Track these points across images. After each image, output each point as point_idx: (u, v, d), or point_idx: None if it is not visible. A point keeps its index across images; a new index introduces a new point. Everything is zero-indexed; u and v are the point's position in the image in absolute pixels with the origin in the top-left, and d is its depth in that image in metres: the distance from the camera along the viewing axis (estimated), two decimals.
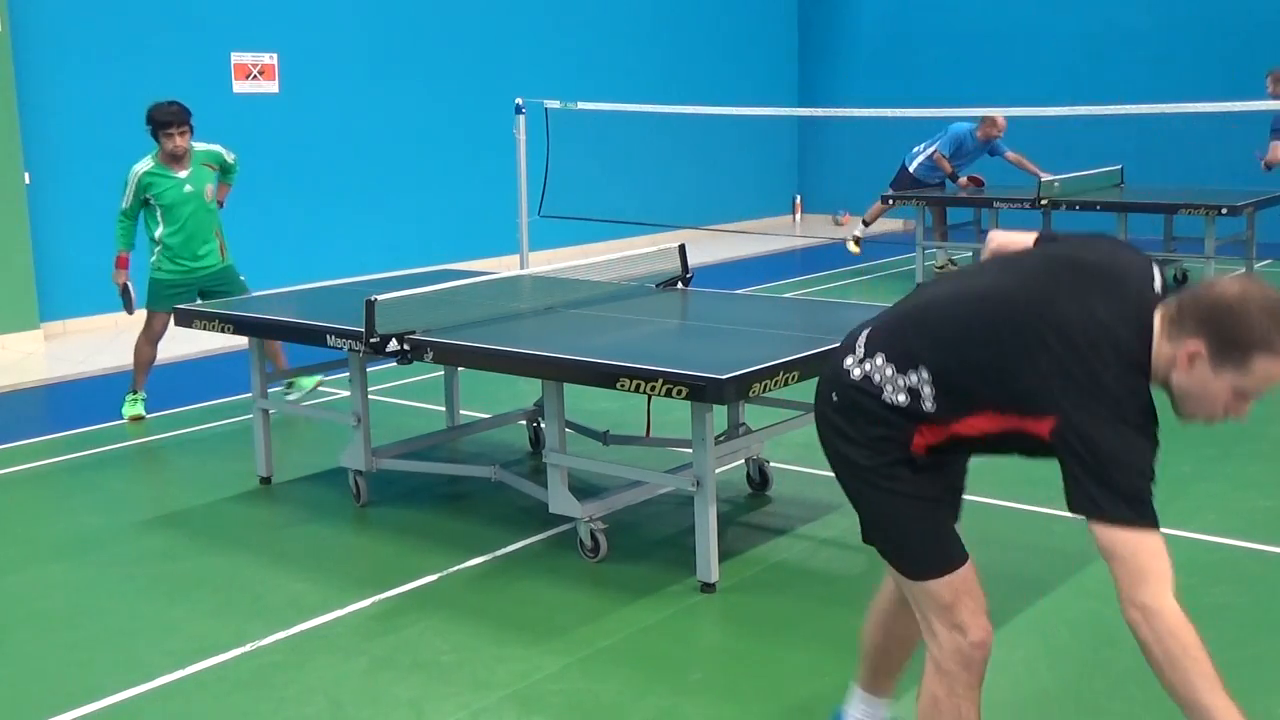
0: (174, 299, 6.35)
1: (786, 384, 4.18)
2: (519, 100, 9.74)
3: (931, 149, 11.21)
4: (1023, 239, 2.81)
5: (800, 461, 5.60)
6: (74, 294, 9.42)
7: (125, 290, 6.78)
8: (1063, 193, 10.37)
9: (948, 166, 11.14)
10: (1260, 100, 9.18)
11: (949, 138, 11.16)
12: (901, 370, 2.53)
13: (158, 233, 6.65)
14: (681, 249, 5.79)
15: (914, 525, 2.60)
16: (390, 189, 11.50)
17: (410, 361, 4.75)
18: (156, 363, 6.93)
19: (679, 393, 4.03)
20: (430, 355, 4.72)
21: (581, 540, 4.62)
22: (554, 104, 10.10)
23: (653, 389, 4.08)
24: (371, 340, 4.72)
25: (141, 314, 6.89)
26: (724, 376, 3.98)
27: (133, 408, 6.82)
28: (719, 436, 4.83)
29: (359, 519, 5.22)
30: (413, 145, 11.65)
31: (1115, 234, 10.35)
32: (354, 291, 5.76)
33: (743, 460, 5.40)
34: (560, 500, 4.60)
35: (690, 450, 4.41)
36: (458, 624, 4.12)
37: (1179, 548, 4.60)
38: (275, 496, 5.57)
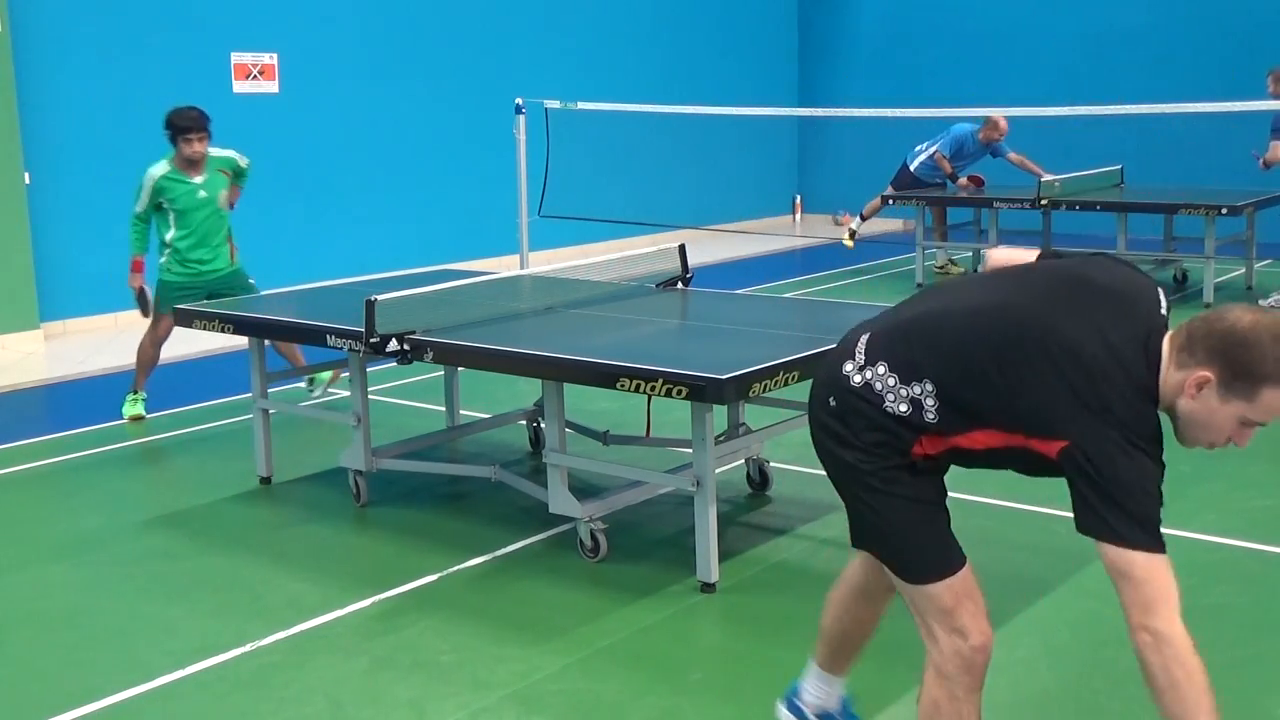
0: (181, 302, 6.34)
1: (786, 384, 4.18)
2: (519, 100, 9.75)
3: (933, 149, 11.22)
4: (1024, 256, 2.80)
5: (800, 461, 5.59)
6: (74, 294, 9.43)
7: (142, 293, 6.78)
8: (1063, 193, 10.37)
9: (948, 167, 11.15)
10: (1260, 100, 9.17)
11: (950, 138, 11.16)
12: (905, 381, 2.52)
13: (168, 236, 6.65)
14: (681, 249, 5.79)
15: (914, 529, 2.59)
16: (390, 189, 11.50)
17: (410, 361, 4.75)
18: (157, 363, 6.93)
19: (679, 393, 4.03)
20: (430, 355, 4.72)
21: (581, 540, 4.63)
22: (554, 104, 10.10)
23: (653, 389, 4.08)
24: (371, 340, 4.72)
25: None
26: (724, 376, 3.98)
27: (133, 407, 6.83)
28: (719, 436, 4.83)
29: (359, 519, 5.22)
30: (413, 145, 11.66)
31: (1115, 234, 10.37)
32: (354, 291, 5.76)
33: (743, 460, 5.40)
34: (560, 500, 4.60)
35: (690, 450, 4.41)
36: (458, 624, 4.12)
37: (1179, 548, 4.60)
38: (275, 496, 5.57)
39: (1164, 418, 2.42)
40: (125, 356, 8.28)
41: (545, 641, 3.97)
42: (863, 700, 3.52)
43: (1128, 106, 8.86)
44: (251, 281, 6.83)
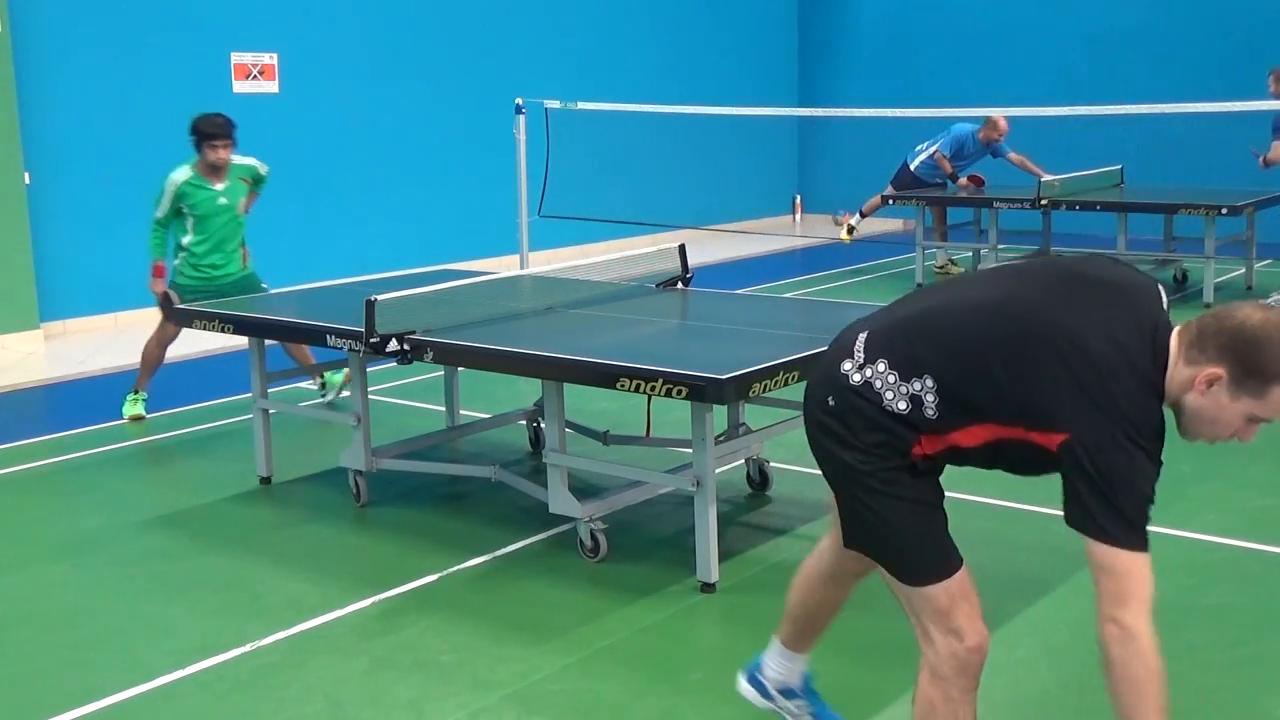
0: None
1: (786, 384, 4.18)
2: (519, 100, 9.75)
3: (933, 148, 11.22)
4: None
5: (800, 461, 5.59)
6: (74, 294, 9.42)
7: (166, 298, 6.78)
8: (1063, 193, 10.37)
9: (948, 167, 11.15)
10: (1260, 100, 9.17)
11: (951, 138, 11.16)
12: (905, 378, 2.51)
13: (185, 240, 6.64)
14: (681, 249, 5.79)
15: (914, 530, 2.58)
16: (390, 189, 11.50)
17: (410, 361, 4.75)
18: None
19: (679, 393, 4.03)
20: (430, 355, 4.72)
21: (581, 540, 4.63)
22: (554, 104, 10.10)
23: (653, 389, 4.08)
24: (371, 340, 4.72)
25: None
26: (724, 376, 3.98)
27: (133, 407, 6.83)
28: (719, 436, 4.83)
29: (359, 519, 5.22)
30: (413, 145, 11.65)
31: (1115, 234, 10.38)
32: (354, 291, 5.76)
33: (743, 460, 5.40)
34: (560, 500, 4.60)
35: (690, 450, 4.41)
36: (458, 624, 4.12)
37: (1179, 548, 4.62)
38: (275, 496, 5.57)
39: (1165, 414, 2.42)
40: (125, 356, 8.29)
41: (545, 641, 3.97)
42: (862, 700, 3.53)
43: (1128, 106, 8.86)
44: (265, 286, 6.84)
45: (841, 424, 2.58)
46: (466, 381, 6.32)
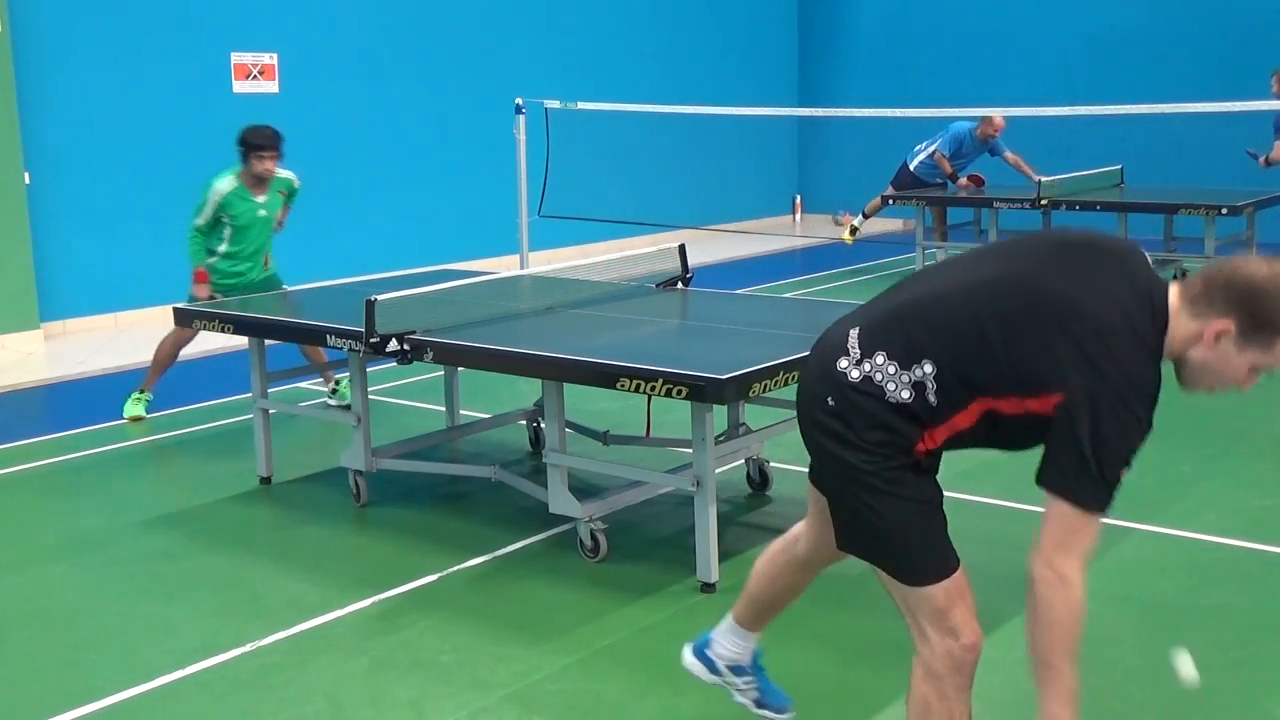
0: None
1: (786, 384, 4.18)
2: (519, 100, 9.75)
3: (932, 148, 11.23)
4: None
5: (800, 461, 5.55)
6: (74, 294, 9.42)
7: (212, 301, 6.78)
8: (1063, 193, 10.38)
9: (948, 167, 11.16)
10: (1261, 100, 9.17)
11: (949, 137, 11.17)
12: (905, 366, 2.50)
13: (220, 248, 6.65)
14: (681, 249, 5.79)
15: (915, 531, 2.57)
16: (390, 189, 11.50)
17: (410, 361, 4.75)
18: None
19: (679, 393, 4.03)
20: (430, 355, 4.72)
21: (581, 540, 4.63)
22: (554, 104, 10.10)
23: (653, 389, 4.08)
24: (371, 340, 4.72)
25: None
26: (724, 376, 3.98)
27: (135, 408, 6.82)
28: (719, 436, 4.83)
29: (359, 519, 5.22)
30: (413, 145, 11.65)
31: (1115, 234, 10.38)
32: (354, 291, 5.76)
33: (743, 460, 5.40)
34: (560, 500, 4.60)
35: (690, 450, 4.41)
36: (458, 624, 4.12)
37: (1179, 548, 4.62)
38: (275, 496, 5.57)
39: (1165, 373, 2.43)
40: (125, 356, 8.31)
41: (545, 641, 3.97)
42: (861, 700, 3.53)
43: (1128, 106, 8.87)
44: (285, 287, 6.86)
45: (843, 423, 2.57)
46: (466, 381, 6.32)
